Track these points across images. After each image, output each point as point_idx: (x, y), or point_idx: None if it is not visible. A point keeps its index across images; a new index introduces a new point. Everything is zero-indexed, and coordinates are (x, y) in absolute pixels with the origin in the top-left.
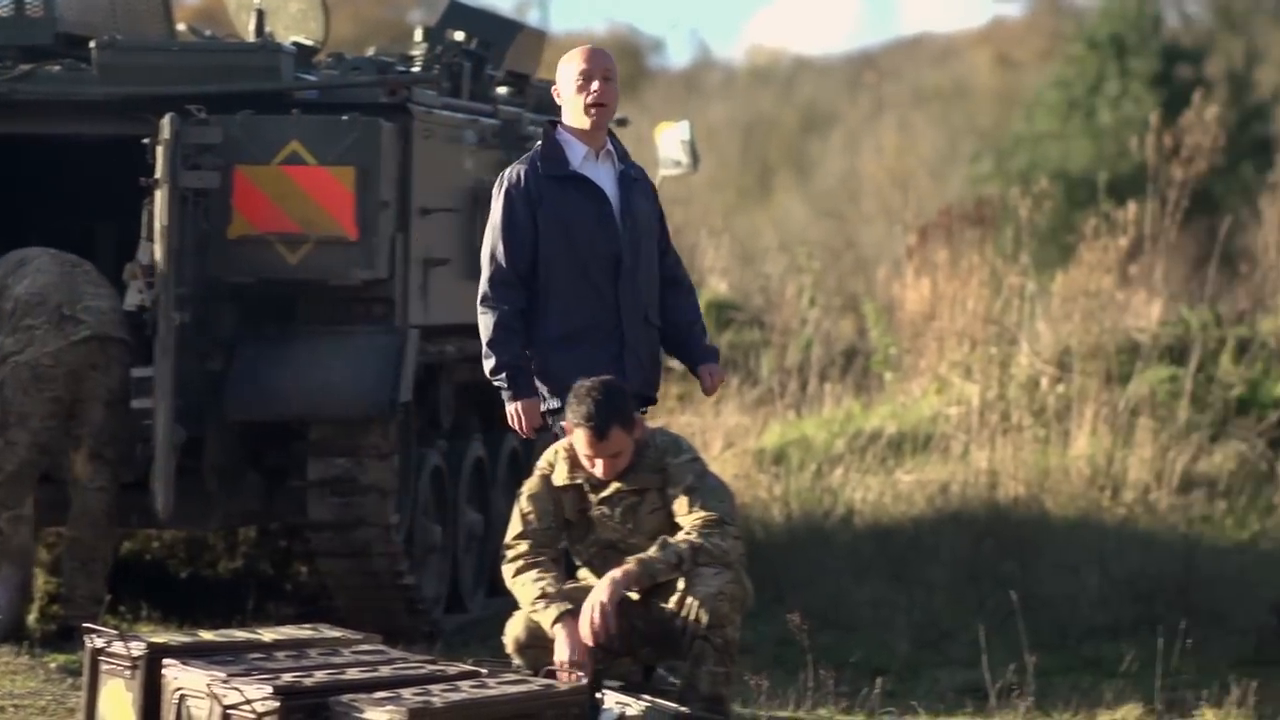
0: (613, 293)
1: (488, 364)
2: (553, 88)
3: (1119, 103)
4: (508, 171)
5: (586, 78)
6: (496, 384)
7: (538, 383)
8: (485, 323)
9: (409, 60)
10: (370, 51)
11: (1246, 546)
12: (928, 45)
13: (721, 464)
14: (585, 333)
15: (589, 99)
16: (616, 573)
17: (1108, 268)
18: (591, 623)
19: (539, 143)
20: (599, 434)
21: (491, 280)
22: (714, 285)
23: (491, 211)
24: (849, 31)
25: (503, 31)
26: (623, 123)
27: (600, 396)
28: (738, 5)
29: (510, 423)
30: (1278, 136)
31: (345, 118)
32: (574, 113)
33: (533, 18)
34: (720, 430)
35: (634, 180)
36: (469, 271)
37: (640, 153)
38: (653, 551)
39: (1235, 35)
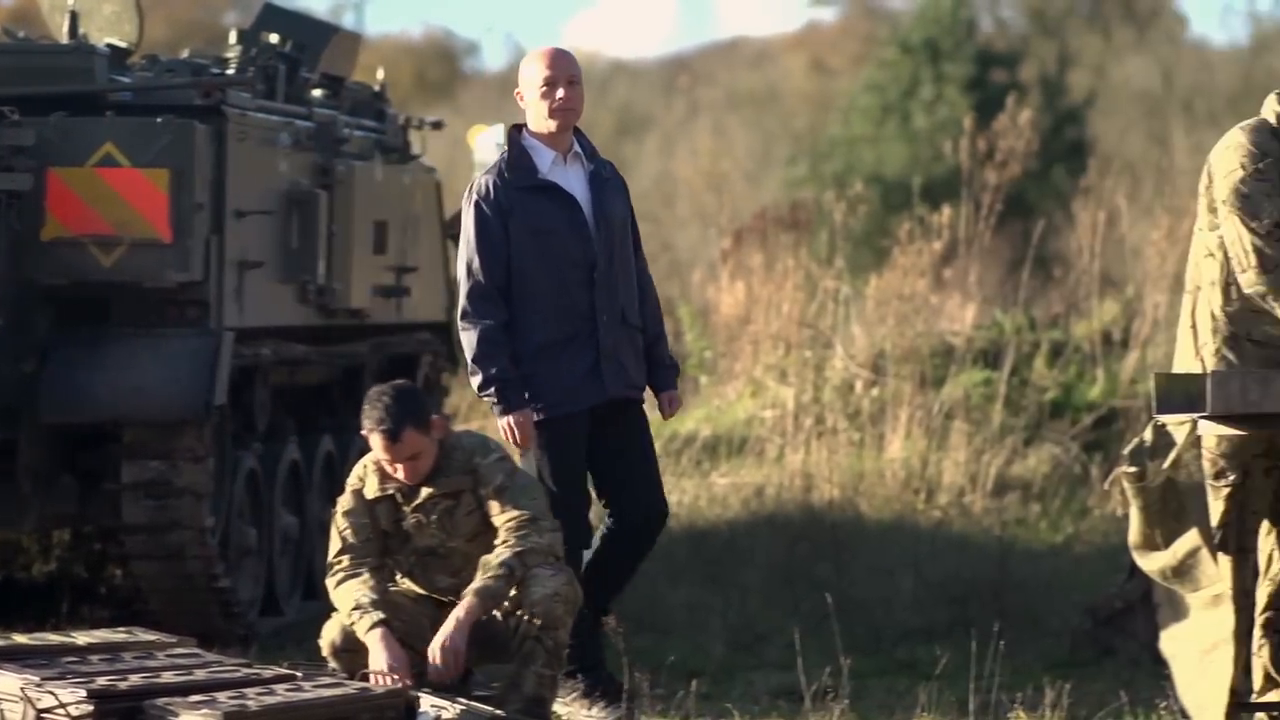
0: (588, 300)
1: (474, 380)
2: (515, 91)
3: (933, 107)
4: (476, 182)
5: (551, 84)
6: (485, 399)
7: None
8: (468, 339)
9: (224, 62)
10: (185, 53)
11: (1060, 549)
12: (742, 49)
13: None
14: (563, 343)
15: (554, 105)
16: (460, 611)
17: (922, 271)
18: (447, 667)
19: (505, 150)
20: (392, 437)
21: (470, 295)
22: None
23: (463, 225)
24: (666, 35)
25: (318, 34)
26: (438, 125)
27: (389, 400)
28: (555, 8)
29: (505, 436)
30: (1091, 140)
31: (159, 120)
32: (538, 118)
33: (348, 20)
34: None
35: (605, 180)
36: (284, 274)
37: (456, 155)
38: (485, 578)
39: (1048, 39)
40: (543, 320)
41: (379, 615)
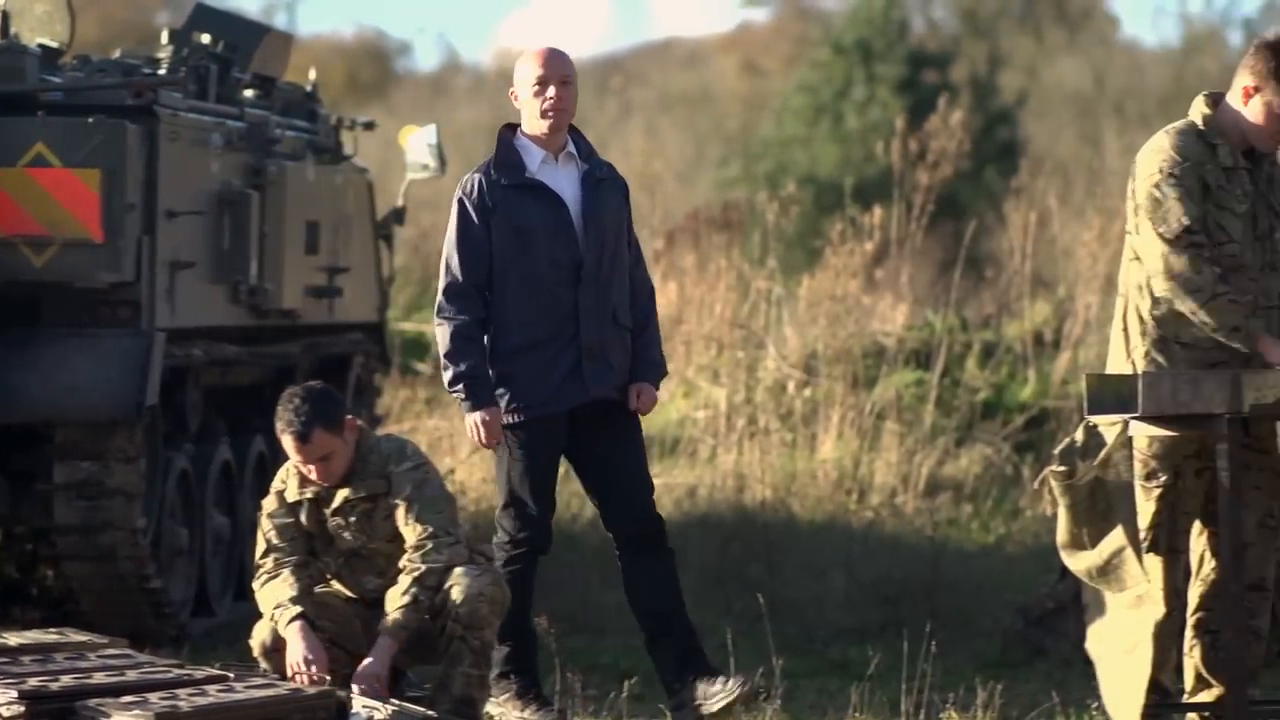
0: (572, 299)
1: (445, 376)
2: (509, 90)
3: (865, 108)
4: (464, 179)
5: (543, 83)
6: (454, 395)
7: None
8: (441, 335)
9: (155, 63)
10: (116, 54)
11: (992, 549)
12: (675, 49)
13: (469, 468)
14: (545, 342)
15: (545, 105)
16: (380, 649)
17: (854, 272)
18: (374, 696)
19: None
20: (302, 438)
21: (446, 292)
22: None
23: (449, 221)
24: (600, 35)
25: (249, 34)
26: (370, 125)
27: (299, 401)
28: (488, 9)
29: (470, 435)
30: (1022, 141)
31: (90, 120)
32: (531, 118)
33: (280, 20)
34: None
35: (599, 180)
36: (216, 274)
37: (389, 155)
38: (395, 613)
39: (980, 40)
40: (523, 319)
41: (296, 610)
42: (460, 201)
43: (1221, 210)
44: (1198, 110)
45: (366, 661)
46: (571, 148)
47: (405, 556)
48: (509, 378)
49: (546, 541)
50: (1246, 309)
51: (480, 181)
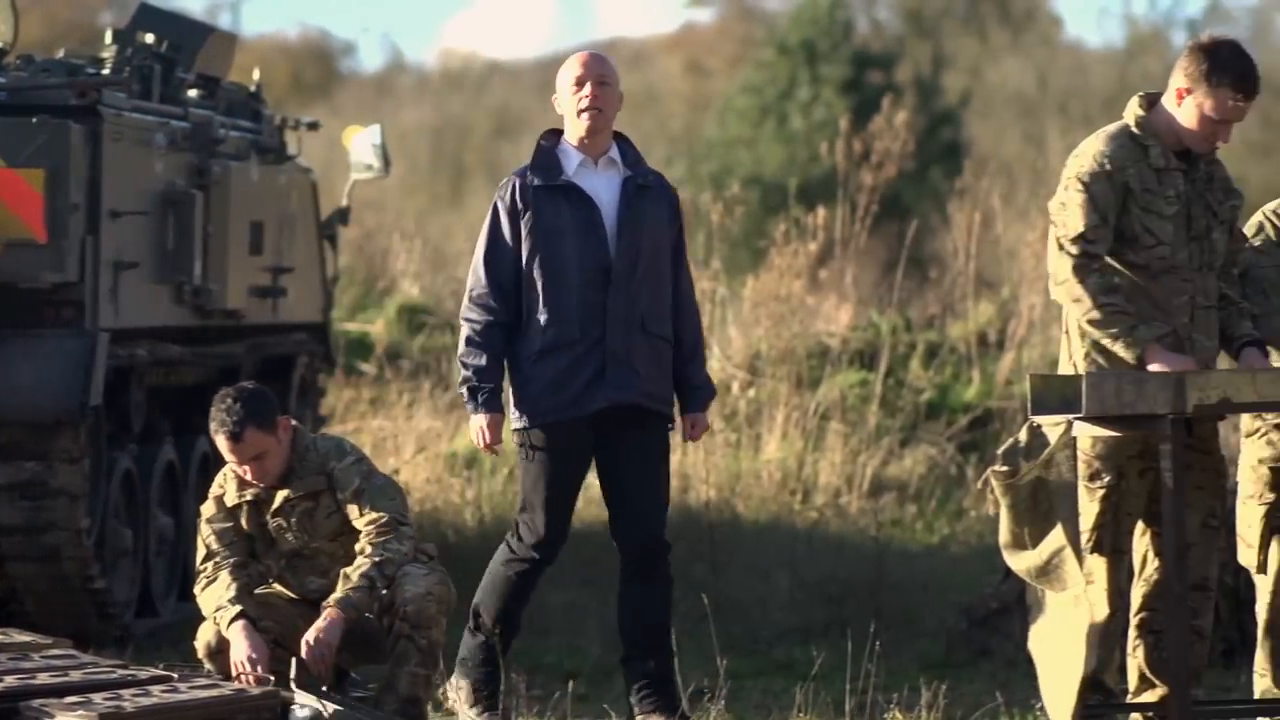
0: (600, 302)
1: (459, 377)
2: (552, 97)
3: (810, 108)
4: (502, 182)
5: (580, 83)
6: (461, 396)
7: (515, 399)
8: (461, 336)
9: (99, 63)
10: (60, 53)
11: (936, 550)
12: (620, 50)
13: (413, 468)
14: (569, 345)
15: (581, 103)
16: (324, 622)
17: (798, 272)
18: (317, 660)
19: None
20: (234, 437)
21: (469, 294)
22: (406, 289)
23: (483, 224)
24: (545, 36)
25: (193, 34)
26: (314, 126)
27: (231, 400)
28: (433, 9)
29: (473, 438)
30: (966, 142)
31: (34, 120)
32: (570, 120)
33: (224, 21)
34: (412, 434)
35: (642, 187)
36: (160, 274)
37: (333, 155)
38: (346, 589)
39: (924, 41)
40: (549, 323)
41: (237, 609)
42: (495, 205)
43: (1149, 213)
44: (1131, 111)
45: (316, 629)
46: (615, 154)
47: (364, 540)
48: (532, 380)
49: (552, 555)
50: (1133, 319)
51: (515, 184)
